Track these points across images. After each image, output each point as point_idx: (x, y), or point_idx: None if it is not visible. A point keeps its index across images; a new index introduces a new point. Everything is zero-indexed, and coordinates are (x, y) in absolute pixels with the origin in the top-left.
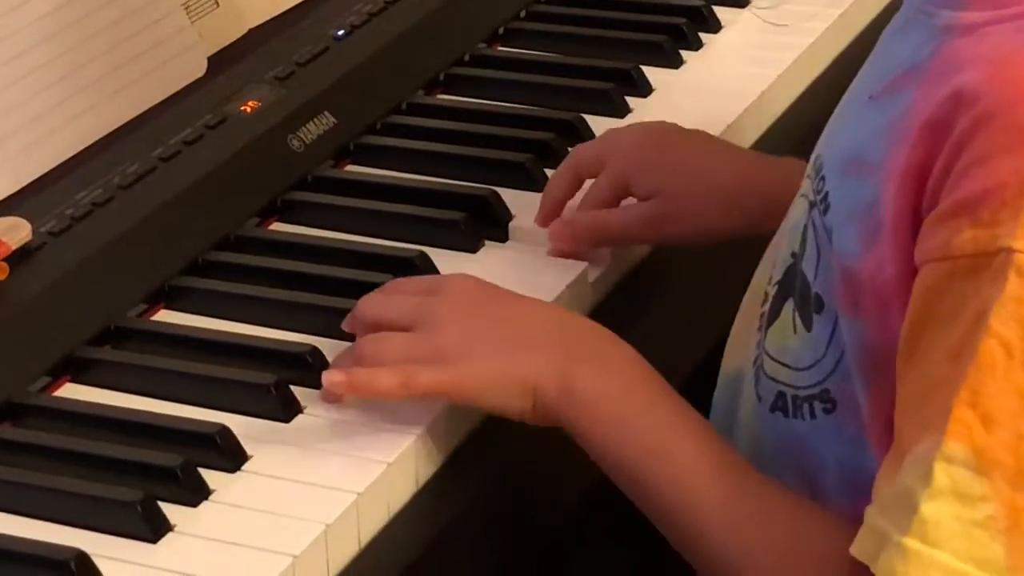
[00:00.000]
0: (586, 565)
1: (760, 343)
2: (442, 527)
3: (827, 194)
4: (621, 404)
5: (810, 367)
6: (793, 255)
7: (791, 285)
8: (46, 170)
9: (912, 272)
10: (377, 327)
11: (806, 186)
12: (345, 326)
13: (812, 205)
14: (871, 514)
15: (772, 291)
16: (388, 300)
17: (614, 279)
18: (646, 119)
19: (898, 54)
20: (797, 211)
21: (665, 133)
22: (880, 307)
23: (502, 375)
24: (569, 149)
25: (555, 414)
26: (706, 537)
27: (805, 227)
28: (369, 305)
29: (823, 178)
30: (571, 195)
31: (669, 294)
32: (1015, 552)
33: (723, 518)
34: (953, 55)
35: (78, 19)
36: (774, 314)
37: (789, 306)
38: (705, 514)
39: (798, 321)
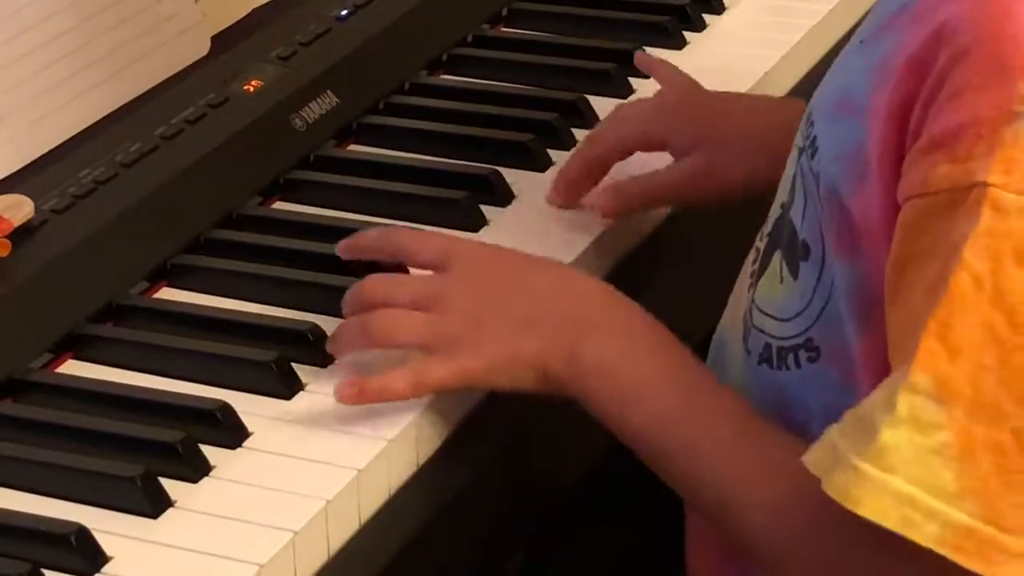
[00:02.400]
0: (584, 545)
1: (751, 296)
2: (442, 504)
3: (815, 138)
4: (629, 372)
5: (795, 316)
6: (782, 206)
7: (779, 236)
8: (49, 148)
9: (896, 211)
10: (382, 305)
11: (797, 135)
12: (345, 305)
13: (801, 151)
14: (832, 431)
15: (763, 244)
16: (393, 281)
17: (605, 272)
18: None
19: (888, 2)
20: (790, 161)
21: (685, 90)
22: (873, 247)
23: (512, 358)
24: (572, 130)
25: (566, 387)
26: (730, 495)
27: (794, 175)
28: (374, 285)
29: (812, 123)
30: (584, 177)
31: (672, 274)
32: (964, 479)
33: (738, 488)
34: None
35: None
36: (764, 266)
37: (777, 257)
38: (722, 484)
39: (785, 270)
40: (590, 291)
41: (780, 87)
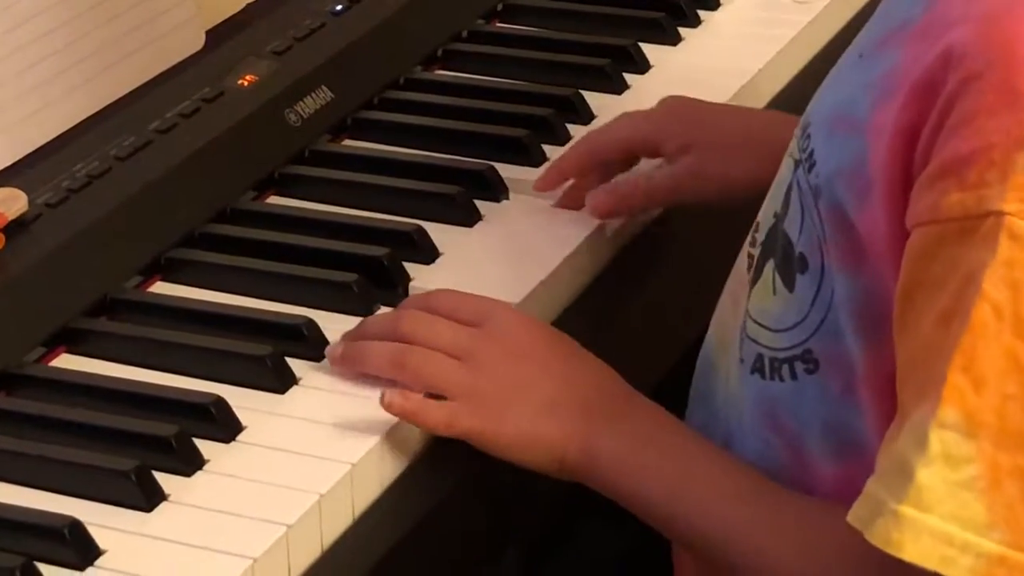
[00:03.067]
0: (579, 544)
1: (745, 306)
2: (436, 500)
3: (812, 152)
4: (639, 457)
5: (791, 328)
6: (775, 215)
7: (773, 246)
8: (43, 142)
9: (903, 233)
10: (414, 342)
11: (792, 146)
12: (376, 328)
13: (797, 164)
14: (870, 482)
15: (756, 252)
16: (434, 323)
17: (602, 266)
18: (644, 96)
19: (891, 14)
20: (784, 171)
21: (680, 98)
22: (878, 262)
23: (531, 439)
24: (567, 125)
25: (580, 475)
26: (754, 567)
27: (789, 186)
28: (415, 322)
29: (808, 136)
30: (577, 174)
31: (667, 268)
32: (995, 509)
33: (750, 546)
34: (943, 13)
35: None
36: (757, 275)
37: (770, 267)
38: (735, 544)
39: (778, 282)
40: (604, 380)
41: (774, 83)
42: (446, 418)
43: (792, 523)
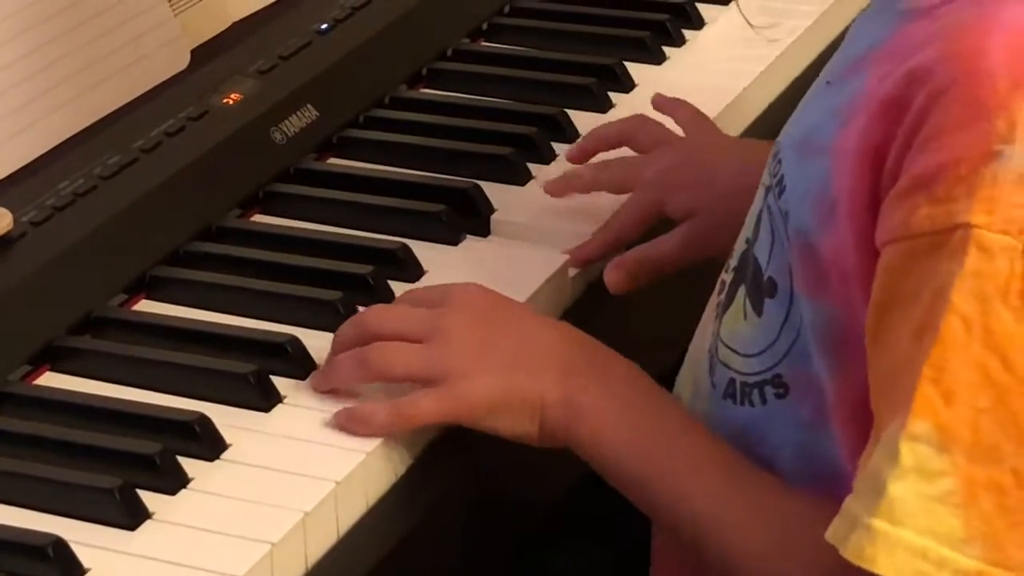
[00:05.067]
0: (565, 561)
1: (716, 331)
2: (420, 517)
3: (782, 177)
4: (624, 419)
5: (760, 352)
6: (747, 241)
7: (744, 271)
8: (28, 160)
9: (872, 253)
10: (380, 338)
11: (764, 172)
12: (343, 336)
13: (768, 190)
14: (847, 500)
15: (728, 278)
16: (394, 311)
17: (587, 283)
18: (629, 114)
19: (859, 41)
20: (757, 198)
21: (693, 149)
22: (844, 287)
23: (507, 397)
24: (552, 144)
25: (561, 433)
26: (718, 542)
27: (760, 212)
28: (374, 314)
29: (779, 161)
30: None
31: (651, 288)
32: (971, 524)
33: (722, 519)
34: (908, 36)
35: (62, 10)
36: (729, 300)
37: (741, 292)
38: (711, 521)
39: (748, 307)
40: (582, 342)
41: (758, 103)
42: (391, 412)
43: (774, 511)
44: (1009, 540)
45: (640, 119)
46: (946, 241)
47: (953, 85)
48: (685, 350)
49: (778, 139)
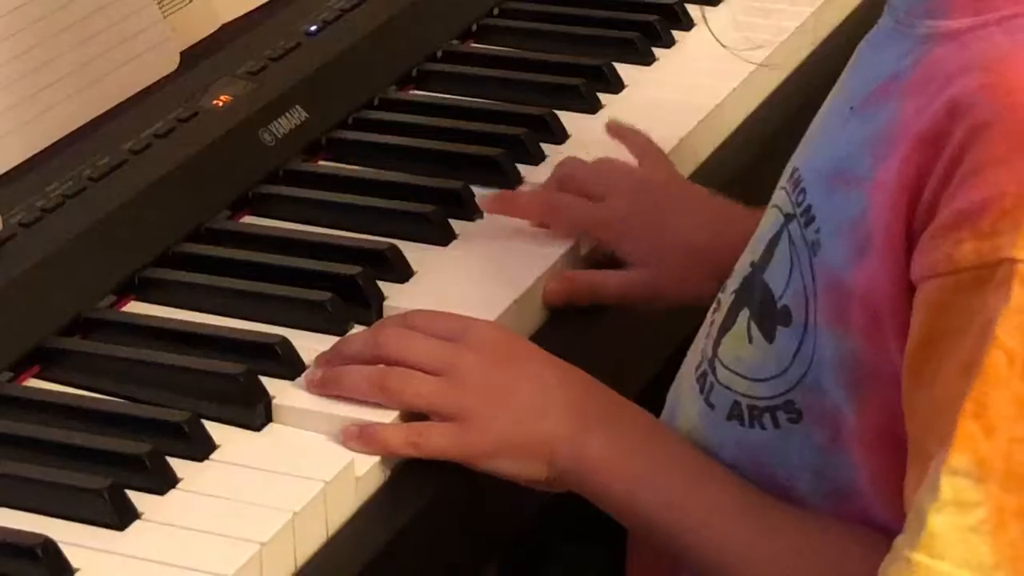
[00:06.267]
0: (558, 565)
1: (709, 350)
2: (410, 518)
3: (809, 207)
4: (634, 465)
5: (772, 378)
6: (752, 265)
7: (749, 295)
8: (18, 162)
9: (906, 288)
10: (399, 364)
11: (780, 198)
12: (355, 350)
13: (790, 218)
14: (897, 539)
15: (728, 300)
16: (412, 339)
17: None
18: (617, 114)
19: (879, 66)
20: (767, 223)
21: (654, 201)
22: (871, 322)
23: (517, 442)
24: (541, 145)
25: (571, 481)
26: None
27: (773, 239)
28: (393, 340)
29: (803, 191)
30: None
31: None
32: (999, 550)
33: (749, 562)
34: (938, 64)
35: (51, 12)
36: (729, 323)
37: (744, 316)
38: (732, 560)
39: (755, 332)
40: (591, 386)
41: (746, 104)
42: (407, 438)
43: (789, 543)
44: None
45: (575, 162)
46: (991, 276)
47: (996, 120)
48: (675, 356)
49: (794, 165)
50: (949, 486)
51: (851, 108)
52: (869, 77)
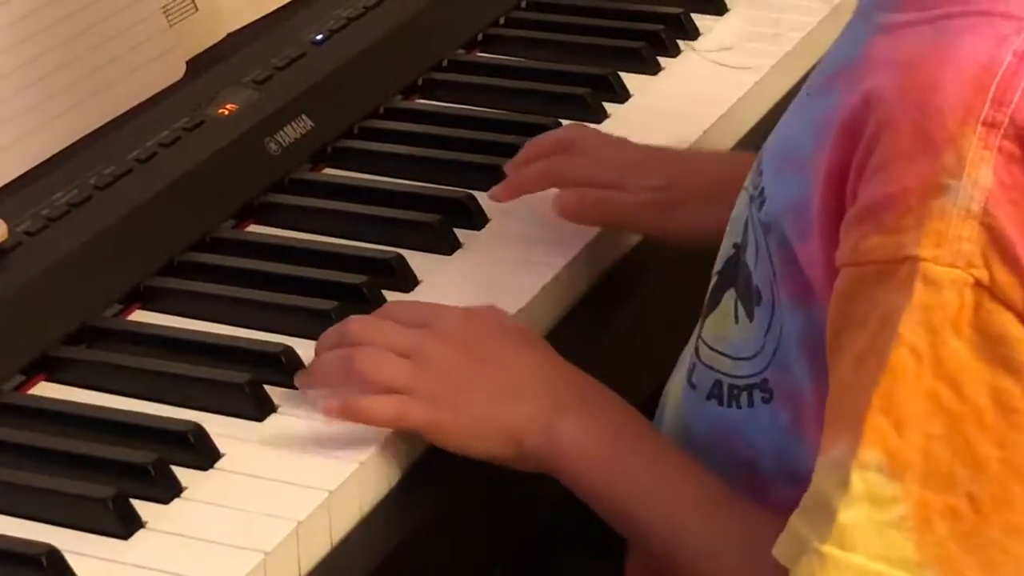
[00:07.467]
0: (563, 571)
1: (698, 332)
2: (413, 528)
3: (763, 189)
4: (605, 450)
5: (752, 357)
6: (735, 246)
7: (733, 275)
8: (24, 171)
9: (835, 271)
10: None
11: (748, 179)
12: (326, 343)
13: (752, 199)
14: (793, 517)
15: (712, 280)
16: (379, 325)
17: (580, 294)
18: (623, 124)
19: (835, 53)
20: (740, 203)
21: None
22: (820, 300)
23: (486, 426)
24: None
25: (542, 463)
26: (692, 565)
27: (747, 220)
28: (359, 326)
29: (760, 172)
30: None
31: (645, 297)
32: (925, 549)
33: (708, 551)
34: (870, 56)
35: (57, 21)
36: (713, 303)
37: (730, 296)
38: (687, 555)
39: (741, 311)
40: (565, 371)
41: (752, 113)
42: (395, 411)
43: (740, 538)
44: (966, 564)
45: (580, 127)
46: (894, 271)
47: (903, 115)
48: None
49: (762, 147)
50: (861, 480)
51: (808, 94)
52: (826, 64)
